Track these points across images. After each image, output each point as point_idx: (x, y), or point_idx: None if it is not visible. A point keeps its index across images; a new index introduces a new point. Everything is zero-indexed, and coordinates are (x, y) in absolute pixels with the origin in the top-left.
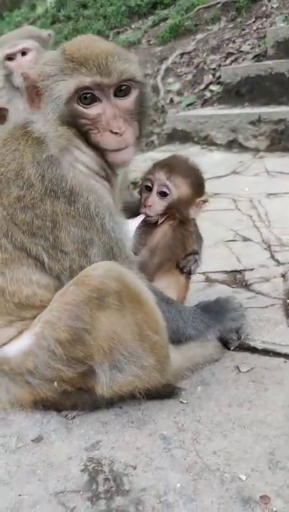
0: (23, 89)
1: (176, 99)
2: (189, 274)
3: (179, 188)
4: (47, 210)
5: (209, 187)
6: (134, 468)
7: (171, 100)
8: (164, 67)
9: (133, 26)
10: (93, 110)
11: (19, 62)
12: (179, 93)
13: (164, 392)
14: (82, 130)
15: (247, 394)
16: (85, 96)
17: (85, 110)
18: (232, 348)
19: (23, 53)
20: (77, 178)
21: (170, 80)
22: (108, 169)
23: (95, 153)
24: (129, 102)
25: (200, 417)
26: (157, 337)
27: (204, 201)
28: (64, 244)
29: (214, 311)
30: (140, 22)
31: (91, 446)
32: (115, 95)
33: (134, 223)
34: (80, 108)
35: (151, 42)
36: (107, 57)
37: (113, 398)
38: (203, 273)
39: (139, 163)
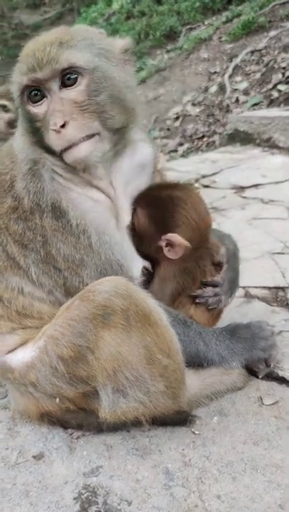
0: None
1: (242, 98)
2: (207, 307)
3: (139, 220)
4: (37, 224)
5: (264, 192)
6: (130, 504)
7: (237, 99)
8: (232, 64)
9: (206, 23)
10: (41, 108)
11: None
12: (246, 92)
13: (177, 419)
14: (40, 135)
15: (266, 431)
16: (33, 94)
17: (34, 109)
18: (260, 376)
19: None
20: (57, 191)
21: (238, 78)
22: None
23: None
24: (76, 92)
25: (210, 452)
26: (169, 361)
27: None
28: (56, 261)
29: (243, 337)
30: (213, 18)
31: (90, 472)
32: (65, 86)
33: None
34: (31, 108)
35: (222, 39)
36: (45, 49)
37: (117, 423)
38: (243, 287)
39: (196, 164)
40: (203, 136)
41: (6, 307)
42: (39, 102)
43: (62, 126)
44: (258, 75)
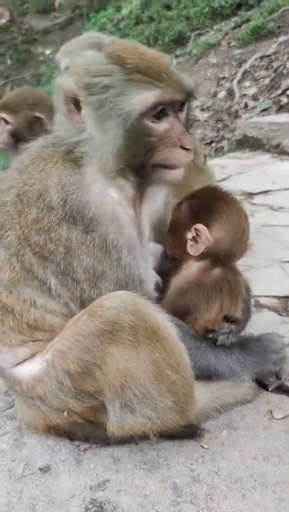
0: (58, 101)
1: (251, 103)
2: (214, 342)
3: (180, 209)
4: (62, 236)
5: (274, 199)
6: None
7: (246, 105)
8: (241, 70)
9: (215, 28)
10: (163, 126)
11: None
12: (255, 98)
13: (185, 433)
14: (142, 152)
15: (276, 446)
16: (159, 110)
17: (154, 126)
18: (270, 389)
19: None
20: (104, 206)
21: (246, 83)
22: (141, 193)
23: (138, 176)
24: (184, 115)
25: (219, 468)
26: (177, 376)
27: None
28: (75, 273)
29: (254, 350)
30: (222, 23)
31: (97, 486)
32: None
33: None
34: (150, 124)
35: (231, 44)
36: (174, 69)
37: (125, 438)
38: (253, 296)
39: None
40: (211, 142)
41: (17, 320)
42: (160, 120)
43: None
44: (267, 81)
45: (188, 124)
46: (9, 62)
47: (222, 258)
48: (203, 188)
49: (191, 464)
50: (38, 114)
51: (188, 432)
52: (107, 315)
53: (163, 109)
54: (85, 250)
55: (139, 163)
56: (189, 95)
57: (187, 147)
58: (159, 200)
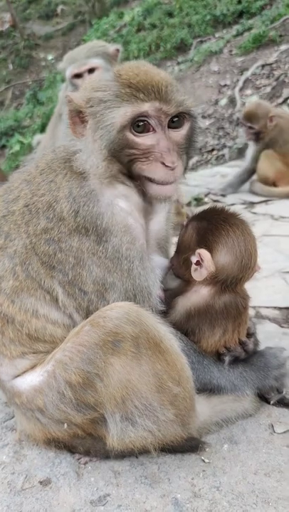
0: (66, 114)
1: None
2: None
3: (186, 230)
4: (73, 246)
5: (274, 208)
6: None
7: None
8: (243, 78)
9: (217, 35)
10: (146, 140)
11: (86, 80)
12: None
13: (186, 446)
14: (126, 161)
15: (278, 461)
16: (139, 124)
17: (136, 139)
18: (272, 403)
19: (90, 71)
20: (116, 216)
21: (248, 91)
22: (148, 205)
23: (137, 187)
24: (181, 134)
25: (220, 483)
26: (179, 389)
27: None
28: (84, 283)
29: (257, 365)
30: (224, 31)
31: (98, 500)
32: (168, 126)
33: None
34: (132, 137)
35: (233, 52)
36: (167, 86)
37: (125, 451)
38: (254, 307)
39: (205, 178)
40: (212, 150)
41: (17, 330)
42: (143, 133)
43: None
44: (268, 89)
45: (187, 145)
46: (11, 67)
47: (229, 284)
48: (210, 208)
49: (192, 479)
50: None
51: (190, 446)
52: (110, 326)
53: (146, 123)
54: (95, 261)
55: (127, 172)
56: (178, 109)
57: (167, 164)
58: (162, 216)
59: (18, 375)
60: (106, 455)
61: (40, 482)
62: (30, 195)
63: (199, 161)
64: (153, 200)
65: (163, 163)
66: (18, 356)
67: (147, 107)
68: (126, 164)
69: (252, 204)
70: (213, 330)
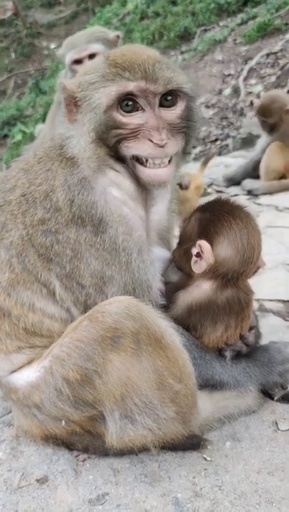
0: (62, 101)
1: (257, 101)
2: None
3: (189, 220)
4: (70, 238)
5: (279, 200)
6: None
7: (251, 103)
8: (247, 67)
9: (221, 24)
10: (134, 119)
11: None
12: (260, 95)
13: (188, 444)
14: (113, 142)
15: (282, 459)
16: (127, 103)
17: (124, 119)
18: (275, 399)
19: (90, 56)
20: (110, 205)
21: (252, 81)
22: (145, 193)
23: (129, 172)
24: (174, 113)
25: (222, 482)
26: (180, 386)
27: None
28: (82, 277)
29: (260, 360)
30: (228, 20)
31: (96, 499)
32: (161, 105)
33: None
34: (119, 117)
35: (237, 41)
36: (154, 64)
37: (124, 450)
38: (258, 300)
39: (209, 168)
40: (216, 140)
41: (14, 324)
42: (131, 113)
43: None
44: (273, 78)
45: (183, 125)
46: (13, 55)
47: (231, 278)
48: (215, 200)
49: (194, 478)
50: None
51: (191, 444)
52: (109, 321)
53: (134, 102)
54: (93, 253)
55: (114, 154)
56: (166, 88)
57: (155, 141)
58: (164, 205)
59: (15, 371)
60: (105, 452)
61: (37, 480)
62: (27, 185)
63: (203, 151)
64: (148, 187)
65: (150, 140)
66: (15, 351)
67: (132, 86)
68: (113, 146)
69: (256, 195)
70: (215, 326)
